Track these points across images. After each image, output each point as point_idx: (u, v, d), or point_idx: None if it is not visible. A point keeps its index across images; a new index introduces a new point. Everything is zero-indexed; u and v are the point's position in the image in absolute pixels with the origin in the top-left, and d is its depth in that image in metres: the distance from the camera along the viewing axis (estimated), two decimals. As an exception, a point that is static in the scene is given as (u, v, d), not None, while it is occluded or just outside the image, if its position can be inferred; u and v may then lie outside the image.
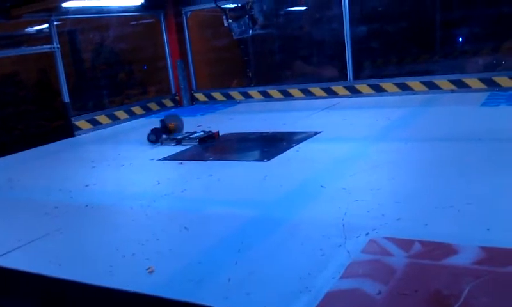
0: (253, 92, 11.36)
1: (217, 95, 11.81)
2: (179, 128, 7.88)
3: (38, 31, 10.23)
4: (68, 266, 3.61)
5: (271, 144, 6.86)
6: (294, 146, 6.48)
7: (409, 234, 3.43)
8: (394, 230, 3.54)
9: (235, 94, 11.60)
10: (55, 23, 9.40)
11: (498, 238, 3.25)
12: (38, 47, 9.53)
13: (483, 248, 3.11)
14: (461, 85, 9.08)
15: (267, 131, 7.66)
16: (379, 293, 2.75)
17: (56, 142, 8.97)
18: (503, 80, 8.73)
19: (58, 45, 9.37)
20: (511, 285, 2.74)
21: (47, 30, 9.41)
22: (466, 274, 2.85)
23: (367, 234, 3.51)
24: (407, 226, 3.60)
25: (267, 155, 6.19)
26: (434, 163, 5.08)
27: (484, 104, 7.79)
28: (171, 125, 7.77)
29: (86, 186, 5.70)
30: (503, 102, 7.80)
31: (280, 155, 6.13)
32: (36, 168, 7.19)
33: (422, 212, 3.83)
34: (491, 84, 8.83)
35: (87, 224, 4.53)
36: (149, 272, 3.31)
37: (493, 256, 3.03)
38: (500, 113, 7.19)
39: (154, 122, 10.05)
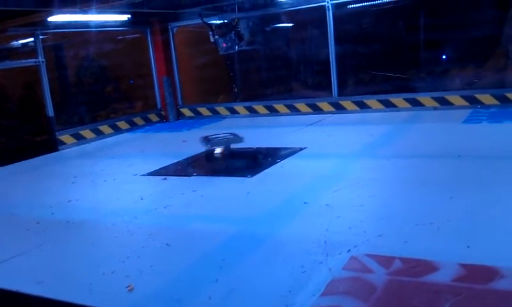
0: (239, 107, 11.39)
1: (203, 110, 11.82)
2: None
3: (23, 44, 10.19)
4: (48, 283, 3.56)
5: (256, 160, 6.86)
6: (278, 162, 6.49)
7: (390, 251, 3.44)
8: (375, 247, 3.55)
9: (221, 109, 11.62)
10: (40, 37, 9.37)
11: (478, 255, 3.27)
12: (23, 60, 9.48)
13: (463, 265, 3.13)
14: (443, 102, 9.20)
15: (252, 146, 7.67)
16: (359, 310, 2.75)
17: (39, 157, 8.89)
18: (485, 98, 8.86)
19: (43, 59, 9.33)
20: (490, 302, 2.76)
21: (33, 44, 9.38)
22: (446, 291, 2.86)
23: (349, 251, 3.52)
24: (388, 243, 3.61)
25: (251, 171, 6.19)
26: (416, 180, 5.12)
27: (466, 121, 7.90)
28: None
29: (68, 202, 5.65)
30: (484, 119, 7.92)
31: (264, 171, 6.14)
32: (18, 183, 7.11)
33: (403, 228, 3.85)
34: (473, 101, 8.95)
35: (68, 240, 4.47)
36: (129, 290, 3.27)
37: (472, 273, 3.05)
38: (481, 130, 7.29)
39: (139, 137, 10.07)
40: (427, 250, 3.42)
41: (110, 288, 3.39)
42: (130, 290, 3.27)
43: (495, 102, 8.76)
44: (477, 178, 4.97)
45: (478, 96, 8.94)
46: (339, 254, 3.49)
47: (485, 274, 3.02)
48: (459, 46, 10.29)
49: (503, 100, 8.69)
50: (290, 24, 12.26)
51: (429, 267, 3.16)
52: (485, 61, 9.90)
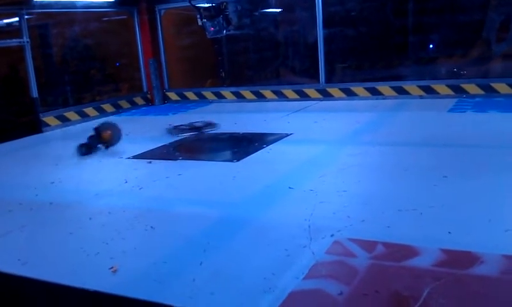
0: (226, 92, 11.35)
1: (190, 94, 11.76)
2: (115, 139, 6.96)
3: (7, 24, 10.02)
4: (31, 264, 3.54)
5: (242, 145, 6.87)
6: (264, 147, 6.50)
7: (373, 236, 3.48)
8: (358, 232, 3.58)
9: (207, 94, 11.57)
10: (25, 17, 9.21)
11: (459, 241, 3.32)
12: (7, 40, 9.32)
13: (444, 250, 3.18)
14: (429, 91, 9.27)
15: (238, 131, 7.67)
16: (341, 293, 2.78)
17: (22, 138, 8.79)
18: (470, 87, 8.95)
19: (28, 39, 9.18)
20: (469, 287, 2.81)
21: (17, 24, 9.22)
22: (426, 275, 2.91)
23: (332, 235, 3.55)
24: (371, 228, 3.65)
25: (237, 156, 6.19)
26: (401, 167, 5.16)
27: (451, 110, 7.97)
28: (106, 134, 6.89)
29: (51, 183, 5.60)
30: (469, 108, 7.99)
31: (250, 156, 6.14)
32: (1, 164, 7.03)
33: (386, 214, 3.89)
34: (458, 90, 9.03)
35: (51, 221, 4.44)
36: (112, 272, 3.27)
37: (453, 258, 3.10)
38: (466, 119, 7.36)
39: (125, 120, 9.99)
40: (409, 235, 3.46)
41: (93, 269, 3.38)
42: (114, 272, 3.27)
43: (480, 91, 8.85)
44: (461, 167, 5.03)
45: (463, 85, 9.03)
46: (322, 238, 3.52)
47: (466, 259, 3.07)
48: (446, 34, 10.34)
49: (488, 89, 8.78)
50: (279, 9, 12.19)
51: (410, 251, 3.20)
52: (470, 51, 9.97)
